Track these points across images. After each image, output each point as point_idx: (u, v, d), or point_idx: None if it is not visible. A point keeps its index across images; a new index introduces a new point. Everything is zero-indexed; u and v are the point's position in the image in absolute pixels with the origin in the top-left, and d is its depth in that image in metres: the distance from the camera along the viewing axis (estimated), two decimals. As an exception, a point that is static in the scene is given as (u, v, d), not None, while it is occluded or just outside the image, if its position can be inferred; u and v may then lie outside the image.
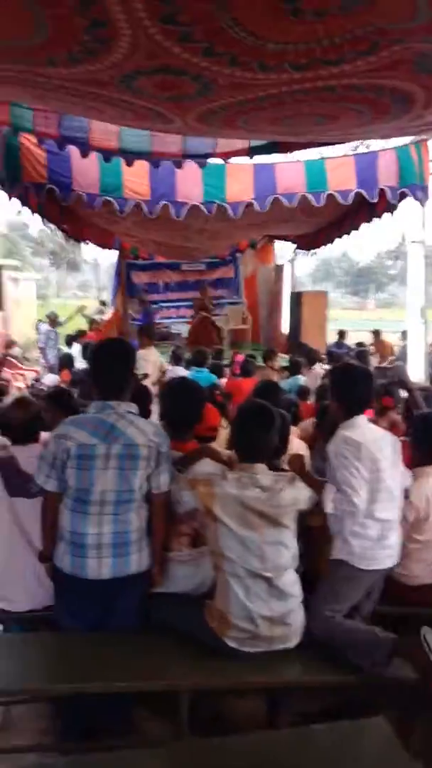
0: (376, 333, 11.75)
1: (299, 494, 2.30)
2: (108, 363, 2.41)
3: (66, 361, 8.24)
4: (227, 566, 2.22)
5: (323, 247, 9.65)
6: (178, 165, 5.10)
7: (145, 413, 2.49)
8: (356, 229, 7.70)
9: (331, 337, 11.29)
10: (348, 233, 7.96)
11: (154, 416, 3.13)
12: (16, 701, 2.72)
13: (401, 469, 2.62)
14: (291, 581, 2.27)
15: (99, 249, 11.66)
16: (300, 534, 2.38)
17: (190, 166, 5.05)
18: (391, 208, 6.79)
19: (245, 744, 1.87)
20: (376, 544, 2.47)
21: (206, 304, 12.03)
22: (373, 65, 2.06)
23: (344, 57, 1.98)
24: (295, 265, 13.20)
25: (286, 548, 2.25)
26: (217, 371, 6.74)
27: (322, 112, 2.68)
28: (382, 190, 6.51)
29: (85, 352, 6.89)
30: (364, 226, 7.48)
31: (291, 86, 2.28)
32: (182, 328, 13.03)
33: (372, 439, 2.52)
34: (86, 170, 5.76)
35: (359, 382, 2.62)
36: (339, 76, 2.17)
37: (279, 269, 13.62)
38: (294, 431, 3.83)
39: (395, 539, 2.54)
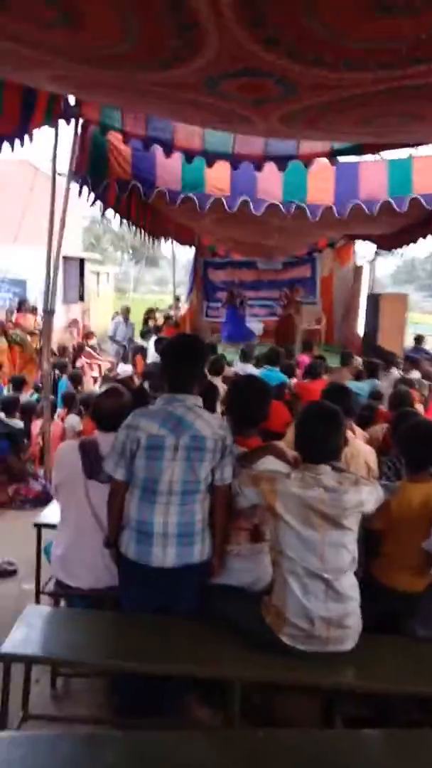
0: (458, 339, 11.27)
1: (363, 496, 2.27)
2: (178, 358, 2.47)
3: (140, 351, 8.49)
4: (286, 563, 2.23)
5: (406, 246, 9.33)
6: (259, 168, 5.13)
7: (211, 409, 2.54)
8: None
9: (409, 342, 10.95)
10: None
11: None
12: (77, 674, 2.86)
13: None
14: (350, 584, 2.25)
15: (177, 246, 11.88)
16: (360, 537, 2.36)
17: (271, 165, 5.07)
18: None
19: (294, 739, 1.89)
20: None
21: (293, 302, 11.97)
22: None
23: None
24: (375, 266, 12.85)
25: (346, 550, 2.23)
26: (289, 371, 6.70)
27: (407, 111, 2.62)
28: None
29: (158, 346, 7.07)
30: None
31: (377, 86, 2.25)
32: (256, 327, 13.02)
33: None
34: (170, 168, 5.90)
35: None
36: (426, 74, 2.12)
37: (358, 270, 13.32)
38: (361, 435, 3.76)
39: None
